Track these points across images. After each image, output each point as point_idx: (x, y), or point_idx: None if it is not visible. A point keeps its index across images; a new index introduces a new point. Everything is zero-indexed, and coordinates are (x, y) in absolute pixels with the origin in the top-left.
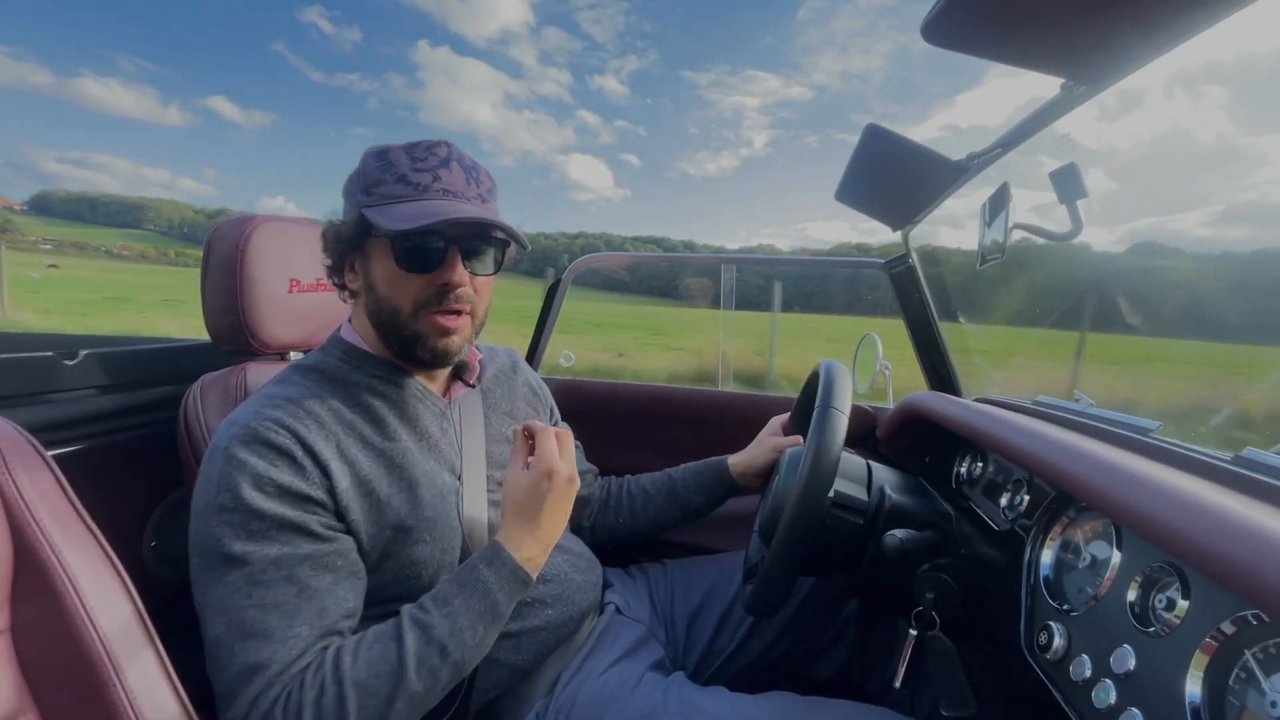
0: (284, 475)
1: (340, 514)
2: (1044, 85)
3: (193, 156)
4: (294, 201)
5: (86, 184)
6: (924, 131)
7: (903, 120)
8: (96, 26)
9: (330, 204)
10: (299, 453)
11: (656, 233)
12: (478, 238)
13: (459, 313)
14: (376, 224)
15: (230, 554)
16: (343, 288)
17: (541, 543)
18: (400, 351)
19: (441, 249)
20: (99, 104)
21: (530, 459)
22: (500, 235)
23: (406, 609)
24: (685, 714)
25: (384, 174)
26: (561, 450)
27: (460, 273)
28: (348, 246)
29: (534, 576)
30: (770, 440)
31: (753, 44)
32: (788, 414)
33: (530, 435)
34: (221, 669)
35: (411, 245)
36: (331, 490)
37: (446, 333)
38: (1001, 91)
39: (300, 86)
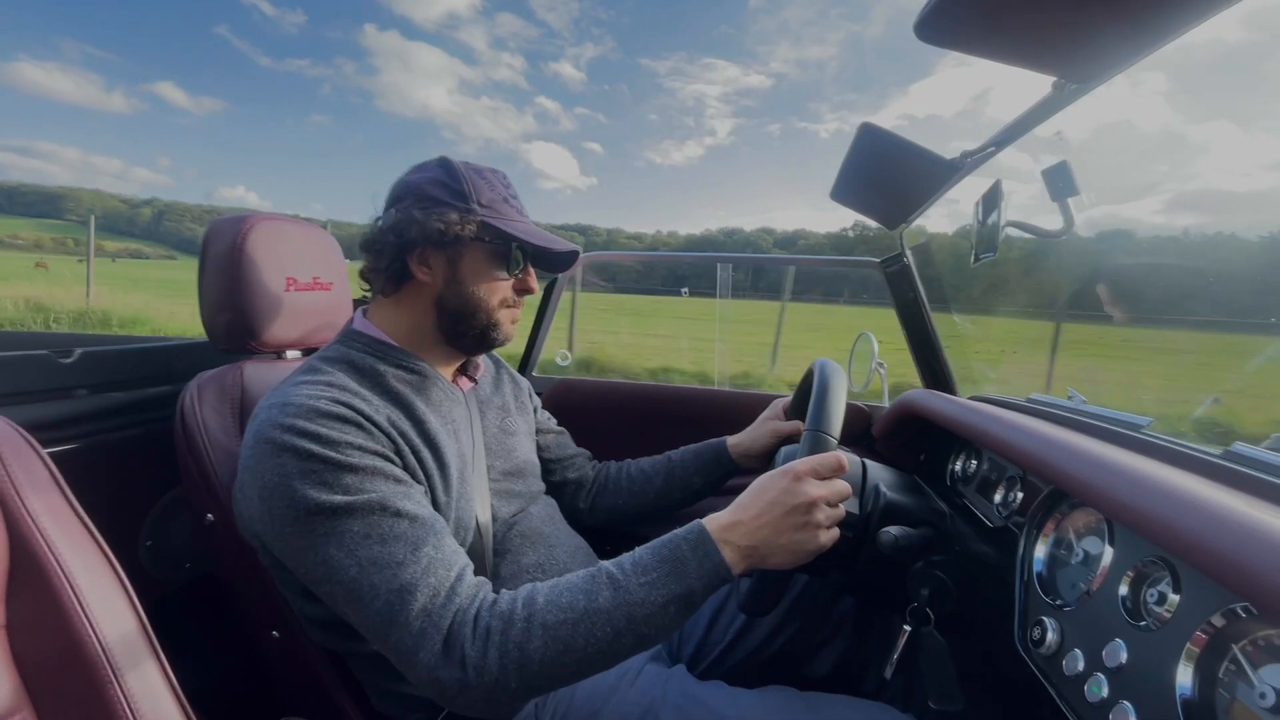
0: (356, 438)
1: (409, 472)
2: (993, 76)
3: (144, 145)
4: (255, 191)
5: (34, 174)
6: (881, 120)
7: (860, 109)
8: (32, 8)
9: (296, 193)
10: (363, 420)
11: (585, 220)
12: (539, 258)
13: (520, 307)
14: (514, 236)
15: (334, 507)
16: (389, 274)
17: (747, 537)
18: (473, 337)
19: (526, 263)
20: (39, 88)
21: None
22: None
23: (604, 566)
24: (684, 707)
25: (491, 192)
26: (820, 468)
27: (537, 283)
28: (441, 242)
29: (734, 572)
30: (771, 425)
31: (708, 32)
32: (788, 397)
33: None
34: (368, 602)
35: (516, 257)
36: (398, 451)
37: (515, 321)
38: (953, 82)
39: (249, 72)
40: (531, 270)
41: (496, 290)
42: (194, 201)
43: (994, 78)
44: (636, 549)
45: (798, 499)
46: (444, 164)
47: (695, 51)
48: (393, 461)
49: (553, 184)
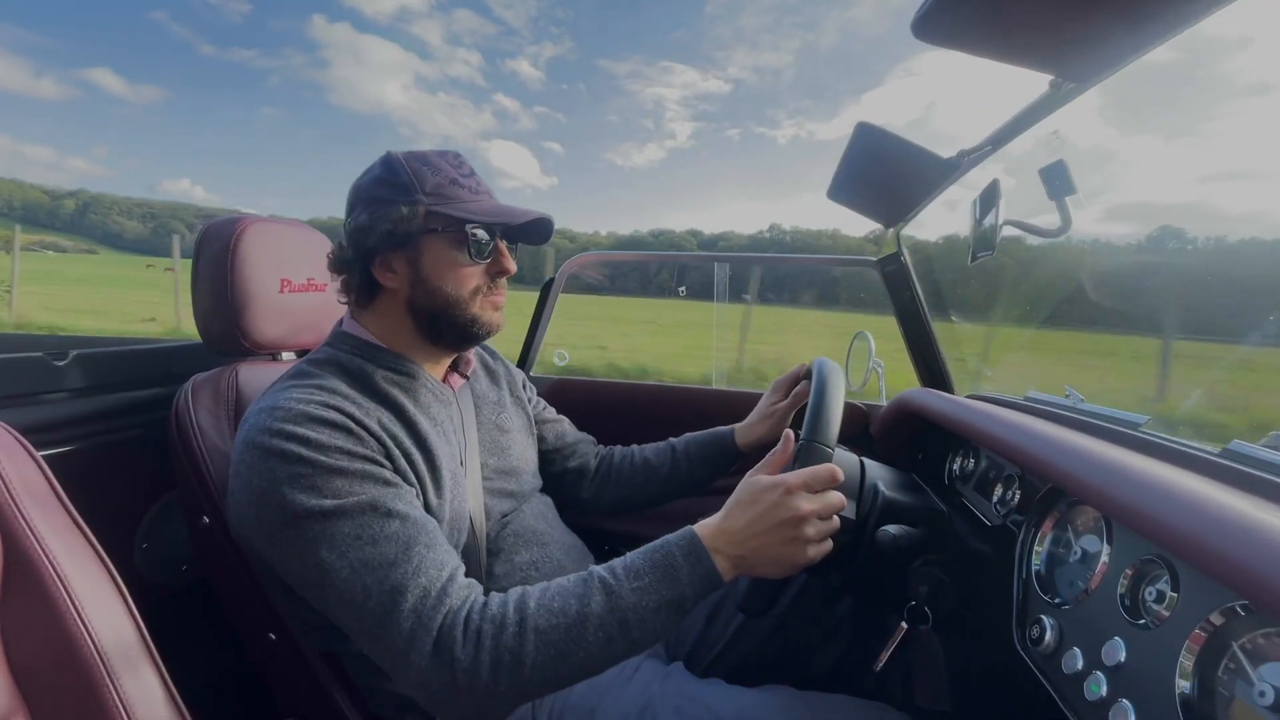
0: (345, 443)
1: (400, 474)
2: (940, 88)
3: (78, 133)
4: (201, 184)
5: None
6: (836, 127)
7: (816, 115)
8: None
9: (246, 187)
10: (352, 425)
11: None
12: (511, 235)
13: (502, 293)
14: (464, 217)
15: (324, 510)
16: (360, 286)
17: (736, 547)
18: (454, 334)
19: (494, 242)
20: None
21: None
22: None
23: (595, 571)
24: (682, 705)
25: (436, 176)
26: (813, 482)
27: (511, 261)
28: (395, 243)
29: (724, 579)
30: (776, 410)
31: (665, 35)
32: (786, 377)
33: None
34: (360, 604)
35: (479, 238)
36: (388, 455)
37: (498, 308)
38: (903, 92)
39: (191, 61)
40: (504, 250)
41: (466, 280)
42: (134, 194)
43: (941, 90)
44: (628, 554)
45: (787, 513)
46: (384, 160)
47: (653, 54)
48: (382, 465)
49: (513, 183)
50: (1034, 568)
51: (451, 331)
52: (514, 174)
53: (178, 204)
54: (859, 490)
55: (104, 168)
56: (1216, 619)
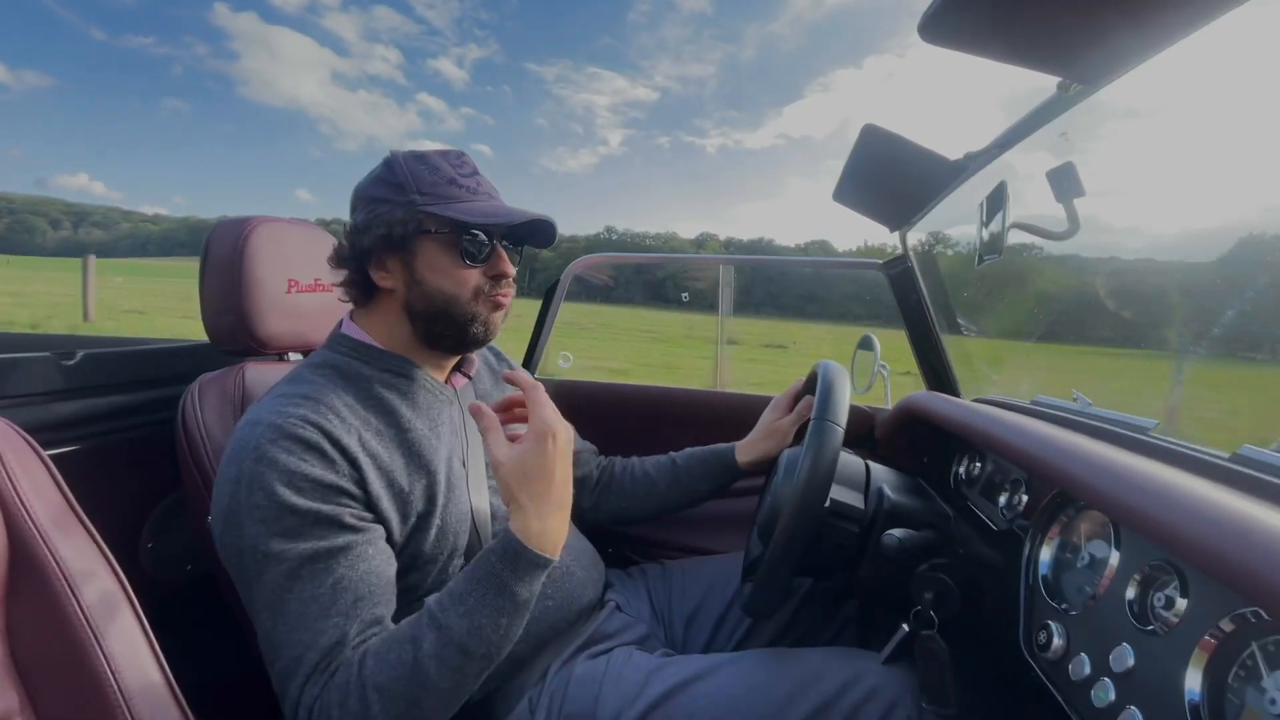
0: (315, 469)
1: (370, 505)
2: (856, 104)
3: None
4: (101, 180)
5: None
6: (760, 138)
7: (742, 126)
8: None
9: (153, 184)
10: (327, 446)
11: None
12: (515, 236)
13: (506, 294)
14: (456, 219)
15: (268, 552)
16: (358, 286)
17: (556, 514)
18: (453, 337)
19: (492, 244)
20: None
21: (514, 430)
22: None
23: (428, 604)
24: (663, 664)
25: (433, 176)
26: (542, 408)
27: (510, 264)
28: (390, 244)
29: (557, 552)
30: (777, 427)
31: (591, 42)
32: (786, 395)
33: (508, 406)
34: (272, 662)
35: (475, 240)
36: (361, 482)
37: (499, 308)
38: (821, 106)
39: (80, 47)
40: (502, 252)
41: (464, 282)
42: (21, 190)
43: (857, 105)
44: (456, 577)
45: (535, 437)
46: (385, 160)
47: (580, 60)
48: (349, 495)
49: None
50: (1041, 572)
51: (450, 334)
52: None
53: (43, 198)
54: (865, 493)
55: None
56: (1227, 625)
